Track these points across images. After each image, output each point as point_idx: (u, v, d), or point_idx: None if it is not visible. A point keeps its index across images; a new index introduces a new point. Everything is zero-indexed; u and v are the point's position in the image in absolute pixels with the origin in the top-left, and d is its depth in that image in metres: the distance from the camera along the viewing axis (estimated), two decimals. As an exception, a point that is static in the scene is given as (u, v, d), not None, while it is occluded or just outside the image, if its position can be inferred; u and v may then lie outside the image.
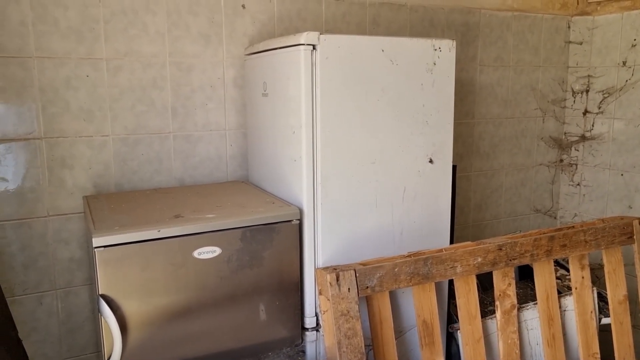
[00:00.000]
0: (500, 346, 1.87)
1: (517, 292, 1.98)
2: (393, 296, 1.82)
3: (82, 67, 1.86)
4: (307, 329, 1.72)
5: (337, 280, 1.57)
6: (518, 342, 1.88)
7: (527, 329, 2.02)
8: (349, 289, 1.58)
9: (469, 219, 2.78)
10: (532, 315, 1.98)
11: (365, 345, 1.75)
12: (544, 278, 1.90)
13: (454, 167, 1.90)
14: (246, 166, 2.16)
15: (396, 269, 1.63)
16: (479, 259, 1.72)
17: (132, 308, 1.45)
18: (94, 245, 1.38)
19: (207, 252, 1.52)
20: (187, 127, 2.05)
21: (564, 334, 2.02)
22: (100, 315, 1.42)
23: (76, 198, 1.90)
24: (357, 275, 1.59)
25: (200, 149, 2.08)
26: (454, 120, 1.85)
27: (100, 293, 1.41)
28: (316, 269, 1.67)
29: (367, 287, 1.60)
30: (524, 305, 1.98)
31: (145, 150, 2.00)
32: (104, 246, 1.39)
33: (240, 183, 2.07)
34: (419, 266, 1.65)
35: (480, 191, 2.80)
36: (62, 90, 1.84)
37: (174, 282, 1.49)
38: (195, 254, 1.50)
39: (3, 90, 1.76)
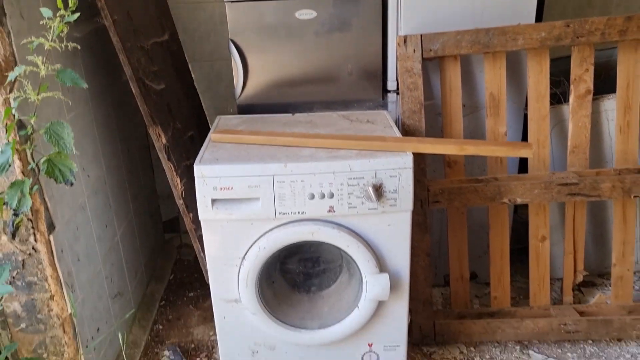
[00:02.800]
0: (570, 128, 2.02)
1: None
2: (469, 74, 2.08)
3: None
4: (389, 91, 2.11)
5: (405, 42, 1.91)
6: (589, 126, 2.01)
7: (608, 120, 2.11)
8: (414, 50, 1.91)
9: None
10: (613, 106, 2.05)
11: (437, 113, 2.10)
12: (628, 65, 1.94)
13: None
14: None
15: (458, 37, 1.89)
16: (543, 34, 1.86)
17: (251, 51, 2.01)
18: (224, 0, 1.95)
19: (306, 14, 1.98)
20: None
21: (650, 130, 2.06)
22: (231, 56, 2.02)
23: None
24: (422, 39, 1.90)
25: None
26: None
27: (230, 37, 2.00)
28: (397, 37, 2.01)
29: (431, 50, 1.91)
30: (606, 95, 2.06)
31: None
32: (230, 1, 1.94)
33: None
34: (480, 36, 1.88)
35: None
36: None
37: (282, 34, 2.00)
38: (297, 14, 1.98)
39: None
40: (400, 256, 1.67)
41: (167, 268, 2.70)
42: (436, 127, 2.12)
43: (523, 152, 1.54)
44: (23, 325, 1.70)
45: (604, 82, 2.22)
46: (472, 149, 1.58)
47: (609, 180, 1.91)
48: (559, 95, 2.27)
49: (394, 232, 1.63)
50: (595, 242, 2.38)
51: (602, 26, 1.84)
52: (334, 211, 1.59)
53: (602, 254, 2.37)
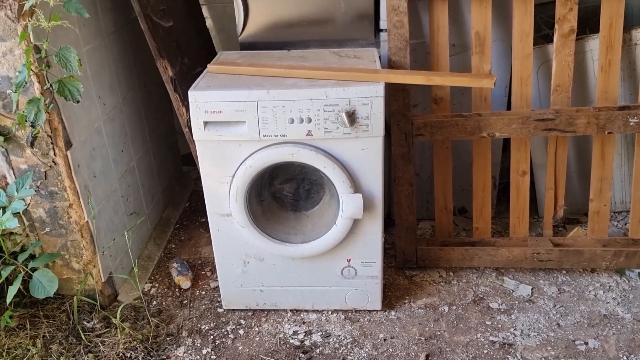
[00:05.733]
0: (553, 67, 2.10)
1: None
2: (459, 15, 2.17)
3: None
4: (381, 30, 2.22)
5: (392, -19, 2.02)
6: (572, 66, 2.07)
7: (593, 60, 2.17)
8: (400, -12, 2.02)
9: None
10: (598, 46, 2.10)
11: (427, 52, 2.21)
12: (611, 4, 1.98)
13: None
14: None
15: (442, -24, 1.98)
16: (524, -28, 1.93)
17: (251, -9, 2.17)
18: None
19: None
20: None
21: (635, 69, 2.11)
22: (233, -5, 2.18)
23: None
24: (409, -22, 2.00)
25: None
26: None
27: (231, -22, 2.15)
28: (388, -20, 2.11)
29: (416, -12, 2.01)
30: (591, 35, 2.11)
31: None
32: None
33: None
34: (463, -26, 1.97)
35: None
36: None
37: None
38: (293, -44, 2.11)
39: None
40: (373, 178, 1.84)
41: (184, 196, 2.97)
42: (427, 65, 2.23)
43: (485, 82, 1.66)
44: (48, 230, 1.98)
45: (597, 23, 2.26)
46: (438, 79, 1.70)
47: (584, 117, 2.00)
48: (551, 36, 2.32)
49: (367, 155, 1.80)
50: (582, 181, 2.47)
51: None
52: (312, 135, 1.76)
53: (588, 193, 2.46)
